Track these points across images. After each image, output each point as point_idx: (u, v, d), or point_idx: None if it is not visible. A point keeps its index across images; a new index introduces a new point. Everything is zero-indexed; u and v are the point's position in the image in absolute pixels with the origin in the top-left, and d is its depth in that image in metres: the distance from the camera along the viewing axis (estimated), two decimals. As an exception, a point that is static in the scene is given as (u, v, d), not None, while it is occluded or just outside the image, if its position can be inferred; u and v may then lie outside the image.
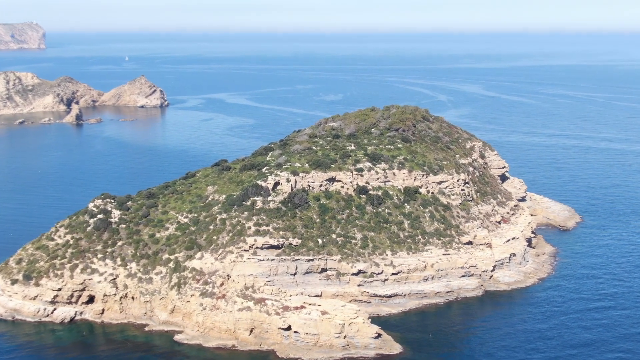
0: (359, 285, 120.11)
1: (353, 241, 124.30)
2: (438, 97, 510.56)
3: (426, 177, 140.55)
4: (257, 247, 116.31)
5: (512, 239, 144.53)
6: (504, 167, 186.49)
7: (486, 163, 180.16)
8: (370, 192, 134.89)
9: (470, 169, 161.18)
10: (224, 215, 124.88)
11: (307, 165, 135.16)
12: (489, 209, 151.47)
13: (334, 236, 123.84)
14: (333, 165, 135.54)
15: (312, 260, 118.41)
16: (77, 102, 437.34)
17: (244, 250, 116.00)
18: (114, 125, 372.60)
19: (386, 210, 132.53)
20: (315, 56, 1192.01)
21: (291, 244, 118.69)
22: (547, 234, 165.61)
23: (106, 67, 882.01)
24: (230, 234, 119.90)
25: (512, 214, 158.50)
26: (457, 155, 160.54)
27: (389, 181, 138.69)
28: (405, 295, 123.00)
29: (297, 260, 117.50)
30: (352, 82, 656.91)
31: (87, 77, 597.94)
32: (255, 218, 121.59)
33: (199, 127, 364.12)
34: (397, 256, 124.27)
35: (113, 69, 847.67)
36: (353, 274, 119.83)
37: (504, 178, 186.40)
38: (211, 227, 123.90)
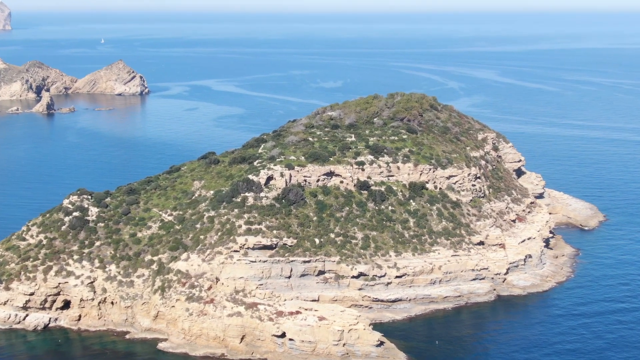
0: (359, 289, 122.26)
1: (353, 241, 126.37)
2: (448, 83, 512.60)
3: (433, 172, 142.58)
4: (248, 248, 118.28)
5: (528, 239, 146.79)
6: (520, 160, 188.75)
7: (500, 156, 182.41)
8: (372, 187, 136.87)
9: (482, 162, 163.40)
10: (212, 213, 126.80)
11: (303, 158, 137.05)
12: (503, 207, 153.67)
13: (332, 236, 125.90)
14: (331, 158, 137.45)
15: (308, 261, 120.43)
16: (47, 90, 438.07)
17: (234, 251, 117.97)
18: (89, 115, 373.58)
19: (389, 208, 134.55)
20: (312, 38, 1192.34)
21: (285, 244, 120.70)
22: (567, 234, 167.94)
23: (80, 50, 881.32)
24: (219, 233, 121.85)
25: (528, 212, 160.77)
26: (468, 148, 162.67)
27: (392, 176, 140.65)
28: (410, 300, 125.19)
29: (292, 261, 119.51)
30: (352, 67, 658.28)
31: (58, 61, 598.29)
32: (246, 216, 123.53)
33: (184, 117, 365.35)
34: (401, 257, 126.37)
35: (87, 52, 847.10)
36: (353, 277, 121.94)
37: (519, 173, 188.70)
38: (198, 225, 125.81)
